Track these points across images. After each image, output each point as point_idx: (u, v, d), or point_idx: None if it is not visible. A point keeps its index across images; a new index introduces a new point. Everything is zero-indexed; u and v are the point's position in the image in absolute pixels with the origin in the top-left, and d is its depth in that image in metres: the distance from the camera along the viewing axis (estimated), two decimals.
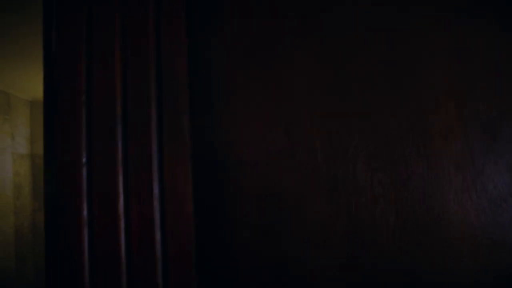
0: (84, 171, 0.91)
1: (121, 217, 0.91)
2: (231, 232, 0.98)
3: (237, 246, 1.00)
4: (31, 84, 4.98)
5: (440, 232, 1.01)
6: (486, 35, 1.06)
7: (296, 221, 0.99)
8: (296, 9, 1.06)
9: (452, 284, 1.00)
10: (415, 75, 1.05)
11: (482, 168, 1.03)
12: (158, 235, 0.91)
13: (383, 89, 1.04)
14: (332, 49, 1.05)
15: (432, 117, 1.04)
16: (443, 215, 1.01)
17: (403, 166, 1.02)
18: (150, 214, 0.91)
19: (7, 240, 5.08)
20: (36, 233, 5.68)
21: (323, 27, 1.05)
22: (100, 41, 0.93)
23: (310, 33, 1.05)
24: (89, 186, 0.91)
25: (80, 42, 0.93)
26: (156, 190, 0.92)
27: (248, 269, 0.99)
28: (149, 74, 0.93)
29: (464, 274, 1.01)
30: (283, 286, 0.99)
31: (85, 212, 0.90)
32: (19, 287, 5.19)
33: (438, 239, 1.01)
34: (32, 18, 3.07)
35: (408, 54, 1.06)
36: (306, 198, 0.99)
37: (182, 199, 0.93)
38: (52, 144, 0.91)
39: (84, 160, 0.91)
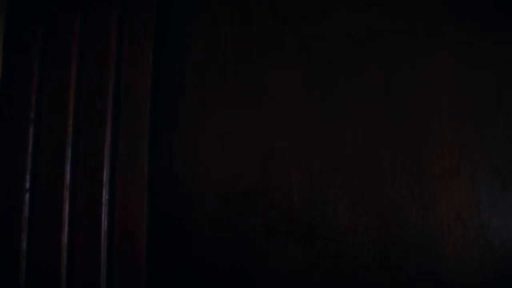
0: (27, 197, 0.81)
1: (64, 250, 0.81)
2: (188, 274, 0.87)
3: None
4: None
5: None
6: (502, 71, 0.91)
7: (264, 268, 0.87)
8: (281, 21, 0.94)
9: None
10: (415, 106, 0.91)
11: (488, 220, 0.88)
12: (103, 275, 0.80)
13: (376, 120, 0.90)
14: (320, 70, 0.92)
15: (433, 156, 0.90)
16: (439, 273, 0.87)
17: (394, 212, 0.88)
18: (96, 250, 0.81)
19: None
20: None
21: (310, 43, 0.92)
22: (55, 51, 0.83)
23: (295, 52, 0.92)
24: (31, 214, 0.81)
25: (32, 52, 0.83)
26: (104, 224, 0.81)
27: None
28: (107, 94, 0.82)
29: None
30: None
31: (24, 244, 0.80)
32: None
33: None
34: None
35: (409, 80, 0.91)
36: (277, 242, 0.87)
37: (134, 236, 0.82)
38: None
39: (27, 185, 0.81)
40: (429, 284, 0.86)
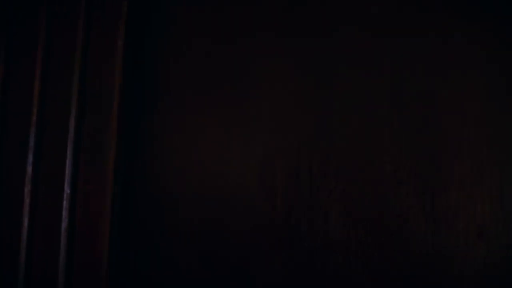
0: None
1: (23, 246, 0.75)
2: (159, 275, 0.78)
3: None
4: None
5: None
6: None
7: (240, 278, 0.76)
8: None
9: None
10: (429, 99, 0.75)
11: None
12: (61, 273, 0.74)
13: (378, 114, 0.76)
14: (311, 53, 0.79)
15: (450, 159, 0.74)
16: None
17: (398, 224, 0.73)
18: (55, 246, 0.74)
19: None
20: None
21: (302, 27, 0.79)
22: (22, 40, 0.77)
23: (283, 37, 0.79)
24: None
25: None
26: (65, 221, 0.75)
27: None
28: (71, 85, 0.75)
29: None
30: None
31: None
32: None
33: None
34: None
35: (421, 70, 0.76)
36: (255, 251, 0.75)
37: (95, 233, 0.74)
38: None
39: None
40: None
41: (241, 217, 0.77)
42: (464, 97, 0.74)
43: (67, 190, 0.75)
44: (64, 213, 0.75)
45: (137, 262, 0.80)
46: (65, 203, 0.75)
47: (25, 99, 0.77)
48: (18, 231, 0.75)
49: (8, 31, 0.78)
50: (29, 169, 0.76)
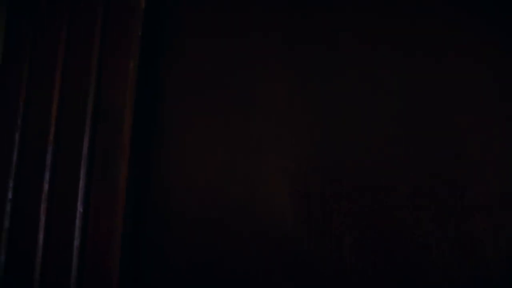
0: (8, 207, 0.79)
1: (38, 262, 0.77)
2: None
3: None
4: None
5: None
6: None
7: None
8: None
9: None
10: (448, 112, 0.70)
11: None
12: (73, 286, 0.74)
13: (393, 132, 0.72)
14: (316, 63, 0.76)
15: (474, 180, 0.68)
16: None
17: (416, 251, 0.68)
18: (67, 265, 0.75)
19: None
20: None
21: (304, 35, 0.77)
22: (42, 57, 0.81)
23: (284, 52, 0.77)
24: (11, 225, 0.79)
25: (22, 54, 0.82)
26: (77, 240, 0.76)
27: None
28: (86, 101, 0.77)
29: None
30: None
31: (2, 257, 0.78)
32: None
33: None
34: None
35: (440, 79, 0.71)
36: (264, 278, 0.72)
37: (105, 253, 0.74)
38: None
39: (9, 195, 0.80)
40: None
41: (249, 243, 0.75)
42: (489, 117, 0.69)
43: (80, 208, 0.76)
44: (77, 232, 0.76)
45: (147, 279, 0.79)
46: (77, 222, 0.76)
47: (43, 119, 0.80)
48: (34, 248, 0.77)
49: (30, 56, 0.82)
50: (46, 186, 0.78)
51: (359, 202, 0.71)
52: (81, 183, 0.76)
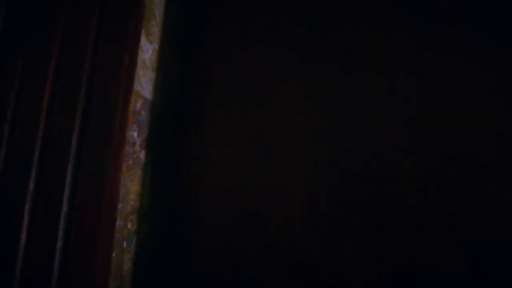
0: None
1: (20, 260, 0.72)
2: None
3: None
4: None
5: None
6: None
7: None
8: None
9: None
10: (472, 118, 0.65)
11: None
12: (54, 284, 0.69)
13: (402, 141, 0.67)
14: (330, 69, 0.72)
15: (486, 192, 0.63)
16: None
17: (426, 264, 0.63)
18: (49, 263, 0.70)
19: None
20: None
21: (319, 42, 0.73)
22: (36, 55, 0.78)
23: (299, 59, 0.73)
24: None
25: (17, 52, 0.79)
26: (60, 242, 0.71)
27: None
28: (77, 97, 0.74)
29: None
30: None
31: None
32: None
33: None
34: None
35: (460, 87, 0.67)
36: (269, 283, 0.67)
37: (88, 256, 0.70)
38: None
39: None
40: None
41: (258, 246, 0.70)
42: (502, 124, 0.64)
43: (64, 208, 0.72)
44: (61, 233, 0.71)
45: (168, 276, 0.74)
46: (61, 222, 0.71)
47: (33, 115, 0.76)
48: (15, 247, 0.72)
49: (23, 56, 0.79)
50: (31, 185, 0.74)
51: (365, 211, 0.66)
52: (68, 181, 0.72)
